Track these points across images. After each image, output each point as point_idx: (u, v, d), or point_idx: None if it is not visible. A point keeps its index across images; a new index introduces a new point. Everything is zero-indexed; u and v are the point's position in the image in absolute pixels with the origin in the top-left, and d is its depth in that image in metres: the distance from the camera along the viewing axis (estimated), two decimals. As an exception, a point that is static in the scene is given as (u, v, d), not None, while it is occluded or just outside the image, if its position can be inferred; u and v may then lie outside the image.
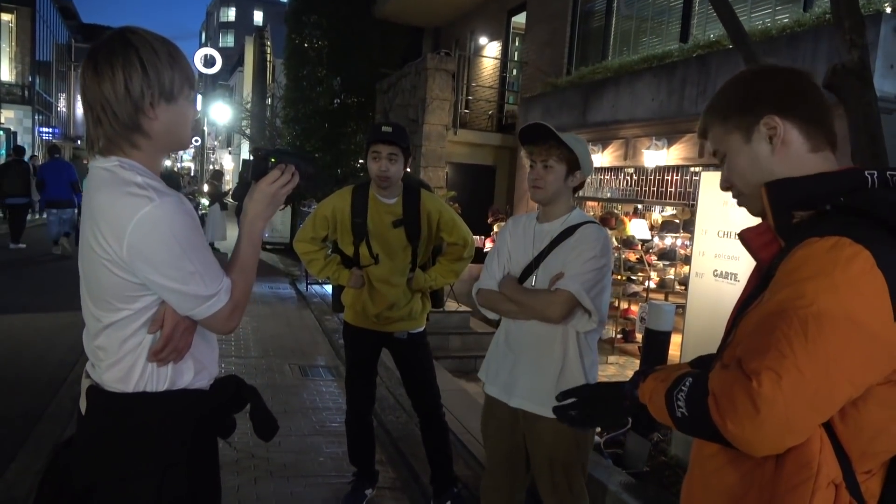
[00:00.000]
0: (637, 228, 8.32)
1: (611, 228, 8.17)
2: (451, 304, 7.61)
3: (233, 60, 43.63)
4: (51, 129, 28.68)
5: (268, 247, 14.05)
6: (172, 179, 14.49)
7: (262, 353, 6.13)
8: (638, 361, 6.48)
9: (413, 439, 3.93)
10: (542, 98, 9.30)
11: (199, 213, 13.78)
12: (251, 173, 1.52)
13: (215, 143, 46.39)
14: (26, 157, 12.64)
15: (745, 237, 1.25)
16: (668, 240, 8.33)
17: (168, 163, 34.89)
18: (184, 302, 1.36)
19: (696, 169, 7.10)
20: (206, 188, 15.06)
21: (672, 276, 8.06)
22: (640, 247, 8.39)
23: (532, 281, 2.29)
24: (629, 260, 8.37)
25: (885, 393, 1.01)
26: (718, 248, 4.03)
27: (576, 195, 2.44)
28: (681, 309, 4.75)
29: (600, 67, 8.30)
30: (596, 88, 8.07)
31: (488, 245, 8.80)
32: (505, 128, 11.41)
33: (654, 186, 7.98)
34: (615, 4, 8.97)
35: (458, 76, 10.34)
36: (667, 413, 1.10)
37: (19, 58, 25.25)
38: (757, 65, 1.27)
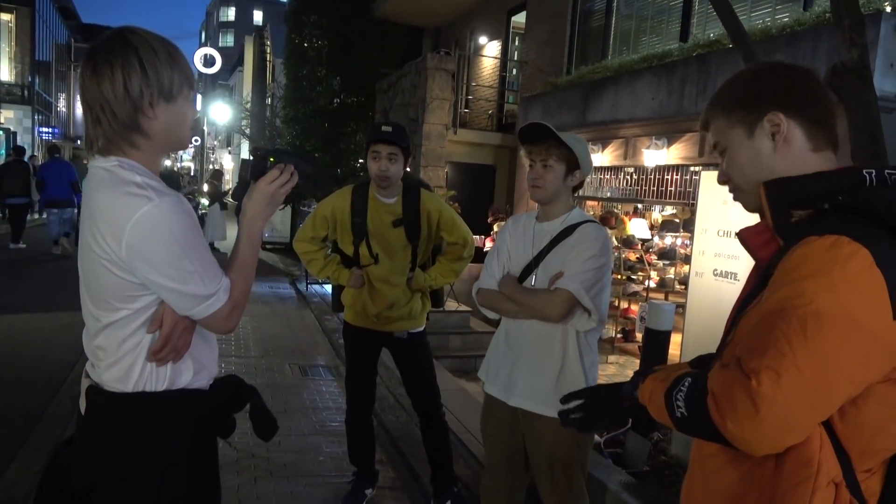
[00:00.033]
0: (637, 228, 8.33)
1: (611, 228, 8.17)
2: (451, 304, 7.61)
3: (232, 60, 43.62)
4: (50, 129, 28.67)
5: (268, 246, 14.06)
6: (172, 179, 14.50)
7: (262, 353, 6.13)
8: (638, 361, 6.48)
9: (413, 439, 3.94)
10: (542, 97, 9.30)
11: (199, 212, 13.79)
12: (250, 173, 1.52)
13: (215, 142, 46.38)
14: (26, 157, 12.64)
15: (744, 236, 1.25)
16: (668, 239, 8.33)
17: (168, 162, 34.88)
18: (182, 301, 1.36)
19: (696, 168, 7.10)
20: (205, 188, 15.06)
21: (672, 276, 8.06)
22: (640, 246, 8.39)
23: (532, 280, 2.29)
24: (629, 259, 8.37)
25: (884, 391, 1.01)
26: (718, 248, 4.03)
27: (575, 194, 2.44)
28: (681, 308, 4.75)
29: (600, 67, 8.30)
30: (596, 88, 8.07)
31: (488, 244, 8.80)
32: (505, 127, 11.41)
33: (654, 186, 7.98)
34: (615, 4, 8.97)
35: (457, 76, 10.34)
36: (666, 413, 1.10)
37: (19, 58, 25.24)
38: (765, 61, 1.26)
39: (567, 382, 2.21)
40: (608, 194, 8.92)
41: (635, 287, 8.15)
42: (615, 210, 8.92)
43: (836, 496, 1.00)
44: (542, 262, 2.27)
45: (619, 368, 7.40)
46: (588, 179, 8.05)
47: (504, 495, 2.47)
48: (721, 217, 4.02)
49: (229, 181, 27.68)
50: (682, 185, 7.50)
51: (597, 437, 3.67)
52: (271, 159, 1.52)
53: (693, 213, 5.15)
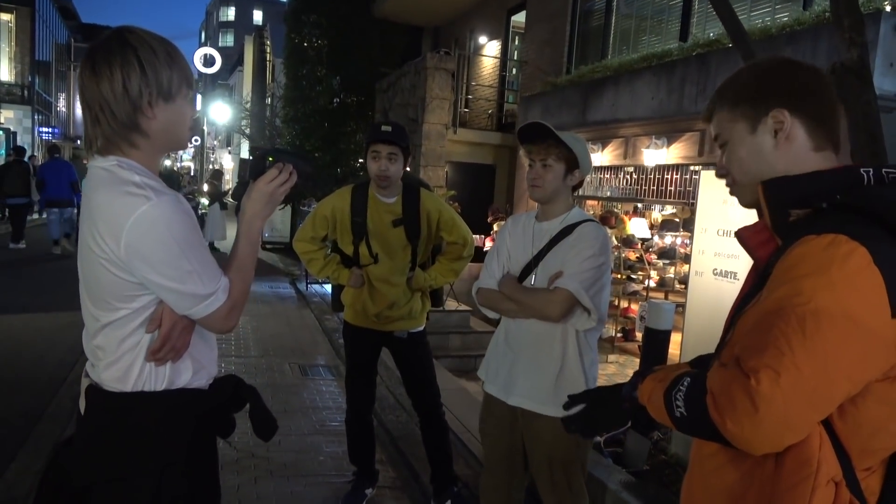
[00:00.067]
0: (637, 227, 8.32)
1: (611, 227, 8.17)
2: (450, 304, 7.61)
3: (232, 60, 43.60)
4: (50, 129, 28.68)
5: (268, 246, 14.07)
6: (172, 179, 14.53)
7: (261, 353, 6.13)
8: (638, 360, 6.48)
9: (413, 438, 3.94)
10: (542, 97, 9.30)
11: (199, 212, 13.79)
12: (249, 172, 1.52)
13: (215, 142, 46.36)
14: (25, 158, 12.65)
15: (742, 236, 1.25)
16: (668, 238, 8.33)
17: (168, 162, 34.87)
18: (181, 301, 1.36)
19: (696, 168, 7.09)
20: (205, 188, 15.05)
21: (672, 275, 8.06)
22: (639, 245, 8.39)
23: (531, 280, 2.29)
24: (629, 259, 8.37)
25: (883, 390, 1.01)
26: (718, 247, 4.03)
27: (575, 194, 2.44)
28: (681, 307, 4.75)
29: (600, 66, 8.30)
30: (595, 87, 8.07)
31: (488, 244, 8.80)
32: (505, 127, 11.40)
33: (653, 185, 7.98)
34: (615, 3, 8.97)
35: (457, 75, 10.33)
36: (665, 413, 1.10)
37: (19, 58, 25.24)
38: (774, 56, 1.25)
39: (567, 382, 2.21)
40: (608, 194, 8.92)
41: (635, 286, 8.15)
42: (615, 209, 8.91)
43: (836, 495, 0.99)
44: (541, 262, 2.27)
45: (619, 368, 7.40)
46: (588, 179, 8.07)
47: (503, 495, 2.47)
48: (721, 216, 4.02)
49: (229, 181, 27.67)
50: (681, 185, 7.50)
51: (596, 437, 3.67)
52: (270, 159, 1.51)
53: (693, 212, 5.15)
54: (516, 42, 11.86)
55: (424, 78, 9.78)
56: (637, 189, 8.31)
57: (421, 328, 3.18)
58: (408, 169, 3.14)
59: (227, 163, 39.83)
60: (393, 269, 3.02)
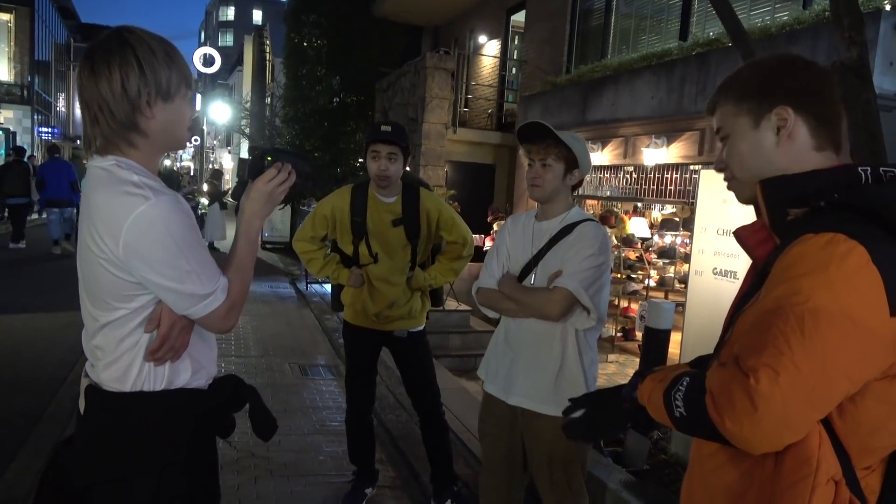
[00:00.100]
0: (637, 227, 8.32)
1: (610, 227, 8.17)
2: (450, 303, 7.61)
3: (232, 59, 43.60)
4: (50, 129, 28.69)
5: (267, 246, 14.07)
6: (172, 179, 14.52)
7: (261, 353, 6.13)
8: (638, 359, 6.48)
9: (413, 438, 3.94)
10: (542, 96, 9.29)
11: (199, 212, 13.79)
12: (248, 172, 1.52)
13: (215, 142, 46.36)
14: (25, 158, 12.67)
15: (741, 235, 1.25)
16: (668, 238, 8.33)
17: (168, 162, 34.85)
18: (180, 301, 1.36)
19: (696, 167, 7.09)
20: (205, 187, 15.05)
21: (672, 275, 8.06)
22: (639, 245, 8.39)
23: (531, 279, 2.29)
24: (629, 258, 8.37)
25: (882, 388, 1.01)
26: (718, 246, 4.03)
27: (575, 193, 2.44)
28: (680, 307, 4.75)
29: (599, 66, 8.30)
30: (595, 87, 8.07)
31: (488, 244, 8.80)
32: (504, 126, 11.40)
33: (653, 185, 7.98)
34: (614, 3, 8.97)
35: (457, 75, 10.33)
36: (665, 413, 1.10)
37: (18, 57, 25.24)
38: (783, 53, 1.25)
39: (566, 381, 2.21)
40: (608, 193, 8.92)
41: (635, 286, 8.15)
42: (615, 209, 8.92)
43: (836, 494, 0.99)
44: (541, 261, 2.27)
45: (619, 367, 7.40)
46: (588, 178, 8.07)
47: (502, 494, 2.47)
48: (720, 215, 4.02)
49: (229, 181, 27.67)
50: (681, 184, 7.50)
51: (598, 441, 3.67)
52: (269, 158, 1.51)
53: (693, 211, 5.15)
54: (516, 41, 11.86)
55: (424, 77, 9.78)
56: (637, 188, 8.31)
57: (421, 328, 3.18)
58: (407, 168, 3.14)
59: (227, 162, 39.83)
60: (393, 268, 3.01)
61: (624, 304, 8.38)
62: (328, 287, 8.27)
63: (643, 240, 8.40)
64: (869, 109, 2.87)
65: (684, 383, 1.07)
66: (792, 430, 0.97)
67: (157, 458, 1.40)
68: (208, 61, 28.37)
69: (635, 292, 8.11)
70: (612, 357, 7.66)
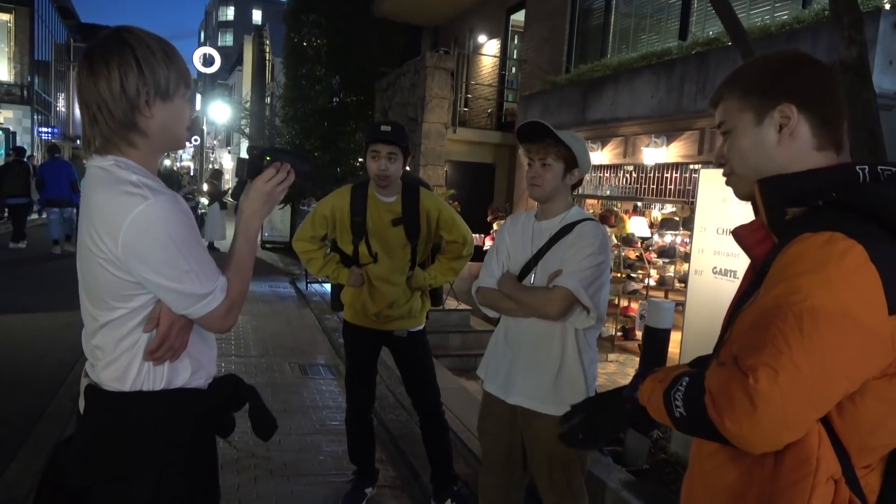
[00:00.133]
0: (636, 226, 8.32)
1: (610, 226, 8.17)
2: (450, 303, 7.61)
3: (232, 59, 43.60)
4: (50, 129, 28.69)
5: (267, 245, 14.07)
6: (172, 178, 14.52)
7: (261, 352, 6.13)
8: (638, 359, 6.48)
9: (413, 438, 3.94)
10: (542, 96, 9.29)
11: (199, 212, 13.78)
12: (247, 171, 1.52)
13: (214, 142, 46.36)
14: (24, 158, 12.68)
15: (739, 234, 1.25)
16: (668, 237, 8.32)
17: (167, 162, 34.85)
18: (179, 300, 1.36)
19: (696, 166, 7.09)
20: (205, 187, 15.05)
21: (672, 274, 8.05)
22: (639, 244, 8.38)
23: (531, 278, 2.29)
24: (629, 257, 8.37)
25: (881, 387, 1.01)
26: (718, 246, 4.03)
27: (575, 193, 2.44)
28: (680, 306, 4.75)
29: (599, 65, 8.30)
30: (595, 86, 8.06)
31: (488, 243, 8.80)
32: (504, 126, 11.40)
33: (653, 184, 7.98)
34: (614, 2, 8.96)
35: (457, 74, 10.32)
36: (665, 413, 1.10)
37: (18, 57, 25.24)
38: (791, 50, 1.24)
39: (566, 380, 2.21)
40: (608, 192, 8.92)
41: (635, 285, 8.14)
42: (615, 208, 8.91)
43: (836, 492, 0.99)
44: (541, 261, 2.28)
45: (619, 367, 7.40)
46: (588, 178, 8.08)
47: (502, 494, 2.47)
48: (720, 215, 4.02)
49: (229, 181, 27.67)
50: (681, 183, 7.50)
51: (598, 447, 3.67)
52: (268, 158, 1.51)
53: (692, 210, 5.15)
54: (516, 41, 11.86)
55: (424, 77, 9.78)
56: (637, 188, 8.30)
57: (421, 327, 3.18)
58: (407, 168, 3.14)
59: (227, 162, 39.82)
60: (392, 268, 3.01)
61: (624, 303, 8.37)
62: (328, 287, 8.27)
63: (643, 239, 8.40)
64: (868, 108, 2.87)
65: (684, 383, 1.07)
66: (791, 429, 0.97)
67: (157, 457, 1.40)
68: (208, 61, 28.37)
69: (635, 291, 8.11)
70: (612, 356, 7.66)
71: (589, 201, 9.35)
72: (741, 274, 1.27)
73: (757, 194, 1.18)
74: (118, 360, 1.39)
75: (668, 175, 7.71)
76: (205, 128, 32.89)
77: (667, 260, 8.10)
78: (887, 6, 4.95)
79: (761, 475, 1.04)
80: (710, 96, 1.29)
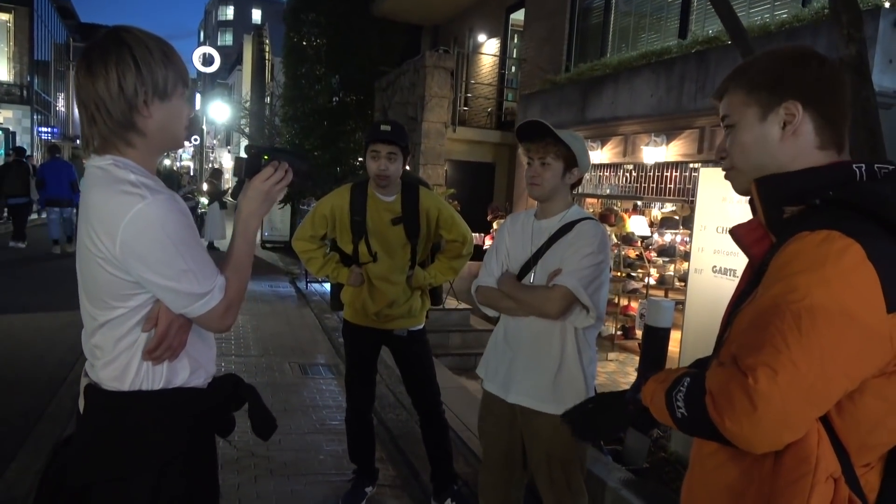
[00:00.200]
0: (636, 225, 8.31)
1: (610, 225, 8.16)
2: (450, 302, 7.61)
3: (231, 59, 43.62)
4: (49, 129, 28.68)
5: (267, 245, 14.07)
6: (172, 178, 14.52)
7: (261, 352, 6.13)
8: (638, 358, 6.48)
9: (413, 437, 3.94)
10: (541, 95, 9.29)
11: (199, 211, 13.77)
12: (244, 171, 1.51)
13: (214, 141, 46.37)
14: (24, 157, 12.69)
15: (737, 233, 1.24)
16: (668, 236, 8.32)
17: (167, 162, 34.84)
18: (177, 300, 1.36)
19: (696, 165, 7.09)
20: (205, 187, 15.06)
21: (672, 273, 8.05)
22: (639, 243, 8.38)
23: (531, 277, 2.29)
24: (629, 256, 8.36)
25: (880, 385, 1.01)
26: (717, 245, 4.03)
27: (574, 192, 2.44)
28: (680, 305, 4.75)
29: (599, 64, 8.29)
30: (595, 85, 8.06)
31: (488, 242, 8.79)
32: (504, 125, 11.40)
33: (653, 183, 7.98)
34: (613, 1, 8.96)
35: (456, 74, 10.32)
36: (667, 414, 1.10)
37: (17, 57, 25.23)
38: (800, 46, 1.23)
39: (565, 379, 2.21)
40: (608, 191, 8.92)
41: (635, 284, 8.14)
42: (615, 207, 8.91)
43: (835, 491, 1.00)
44: (540, 260, 2.27)
45: (619, 365, 7.41)
46: (587, 177, 8.07)
47: (502, 493, 2.47)
48: (720, 214, 4.02)
49: (228, 180, 27.68)
50: (681, 182, 7.50)
51: (595, 441, 3.67)
52: (265, 157, 1.51)
53: (692, 209, 5.15)
54: (515, 40, 11.85)
55: (424, 76, 9.78)
56: (636, 187, 8.30)
57: (420, 326, 3.17)
58: (407, 168, 3.14)
59: (227, 162, 39.82)
60: (392, 267, 3.01)
61: (624, 302, 8.37)
62: (328, 286, 8.27)
63: (643, 238, 8.39)
64: (868, 107, 2.87)
65: (685, 384, 1.07)
66: (791, 428, 0.97)
67: (156, 457, 1.40)
68: (207, 61, 28.36)
69: (635, 290, 8.11)
70: (612, 355, 7.66)
71: (589, 200, 9.35)
72: (741, 272, 1.27)
73: (754, 193, 1.18)
74: (117, 360, 1.39)
75: (668, 174, 7.71)
76: (204, 127, 32.88)
77: (667, 259, 8.10)
78: (887, 4, 4.94)
79: (761, 474, 1.04)
80: (716, 88, 1.28)
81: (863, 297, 0.96)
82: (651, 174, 7.98)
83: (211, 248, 12.44)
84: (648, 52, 7.43)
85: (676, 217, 8.03)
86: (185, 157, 50.23)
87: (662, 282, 8.00)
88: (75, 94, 1.39)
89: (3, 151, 20.56)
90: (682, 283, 6.92)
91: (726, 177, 1.28)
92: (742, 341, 1.02)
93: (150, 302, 1.38)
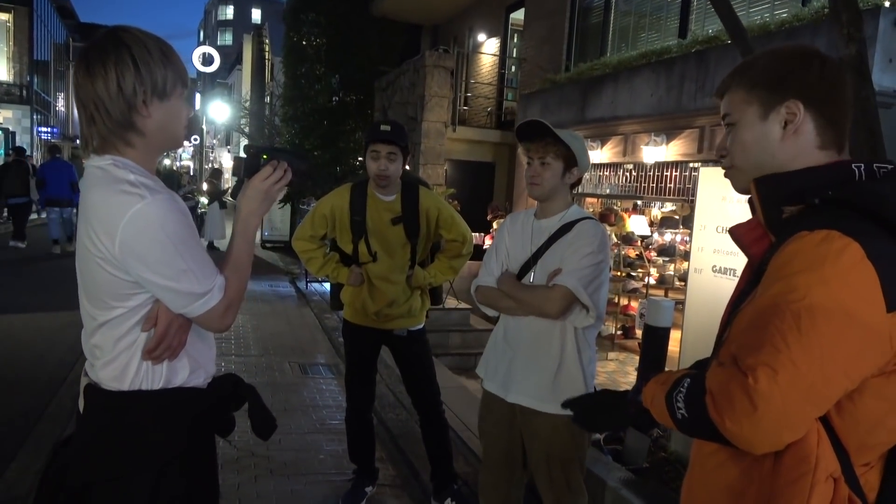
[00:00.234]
0: (636, 224, 8.31)
1: (610, 225, 8.17)
2: (450, 302, 7.61)
3: (231, 59, 43.63)
4: (49, 129, 28.68)
5: (267, 245, 14.07)
6: (172, 178, 14.51)
7: (261, 352, 6.13)
8: (638, 357, 6.48)
9: (413, 436, 3.94)
10: (541, 94, 9.29)
11: (199, 211, 13.76)
12: (243, 170, 1.52)
13: (214, 141, 46.37)
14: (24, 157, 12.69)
15: (736, 233, 1.24)
16: (668, 236, 8.32)
17: (167, 161, 34.83)
18: (177, 300, 1.36)
19: (695, 164, 7.09)
20: (205, 187, 15.06)
21: (671, 272, 8.05)
22: (639, 243, 8.38)
23: (530, 277, 2.29)
24: (629, 256, 8.37)
25: (879, 385, 1.01)
26: (717, 244, 4.03)
27: (574, 191, 2.44)
28: (680, 305, 4.75)
29: (599, 63, 8.29)
30: (594, 84, 8.06)
31: (487, 242, 8.79)
32: (504, 124, 11.40)
33: (653, 182, 7.98)
34: (613, 0, 8.96)
35: (456, 73, 10.32)
36: (668, 415, 1.10)
37: (17, 57, 25.24)
38: (803, 45, 1.23)
39: (565, 379, 2.21)
40: (607, 191, 8.92)
41: (635, 284, 8.14)
42: (615, 207, 8.91)
43: (835, 491, 1.00)
44: (540, 259, 2.27)
45: (619, 365, 7.41)
46: (587, 176, 8.07)
47: (502, 492, 2.47)
48: (720, 213, 4.02)
49: (228, 180, 27.70)
50: (681, 182, 7.50)
51: (596, 434, 3.67)
52: (264, 157, 1.51)
53: (692, 209, 5.15)
54: (515, 39, 11.85)
55: (423, 76, 9.78)
56: (636, 186, 8.30)
57: (420, 326, 3.17)
58: (407, 167, 3.14)
59: (227, 162, 39.82)
60: (392, 267, 3.01)
61: (624, 301, 8.37)
62: (328, 286, 8.27)
63: (643, 237, 8.40)
64: (868, 106, 2.87)
65: (685, 385, 1.07)
66: (792, 428, 0.97)
67: (156, 456, 1.40)
68: (207, 60, 28.37)
69: (635, 290, 8.11)
70: (612, 355, 7.66)
71: (589, 200, 9.35)
72: (740, 272, 1.27)
73: (754, 193, 1.18)
74: (117, 360, 1.39)
75: (668, 173, 7.71)
76: (204, 127, 32.89)
77: (666, 258, 8.10)
78: (887, 4, 4.94)
79: (761, 474, 1.04)
80: (717, 85, 1.28)
81: (862, 297, 0.96)
82: (651, 174, 7.98)
83: (211, 247, 12.44)
84: (648, 52, 7.43)
85: (676, 216, 8.03)
86: (184, 157, 50.23)
87: (662, 281, 8.00)
88: (74, 93, 1.39)
89: (2, 151, 20.57)
90: (682, 283, 6.92)
91: (726, 175, 1.27)
92: (742, 341, 1.02)
93: (150, 302, 1.38)
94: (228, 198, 13.61)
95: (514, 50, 11.88)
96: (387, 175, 2.89)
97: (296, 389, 5.06)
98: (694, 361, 1.34)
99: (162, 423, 1.41)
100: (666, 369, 2.95)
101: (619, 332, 8.10)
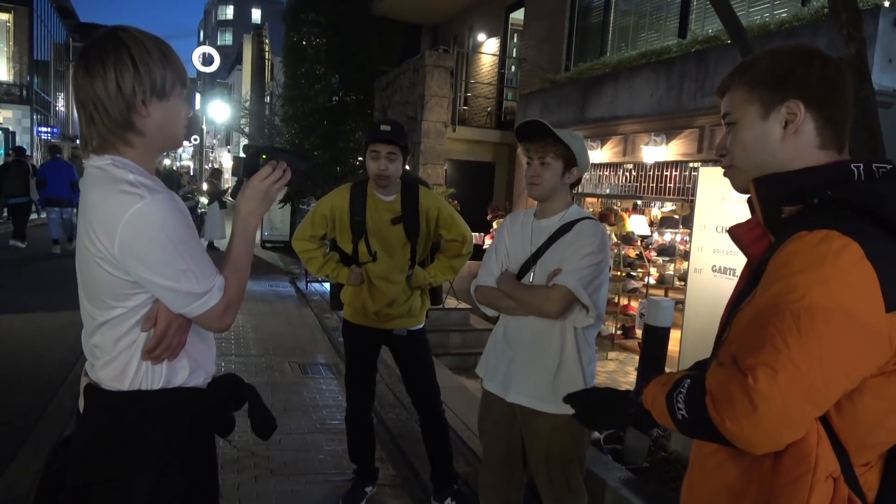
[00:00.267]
0: (636, 224, 8.31)
1: (610, 224, 8.17)
2: (450, 301, 7.61)
3: (231, 58, 43.63)
4: (49, 129, 28.70)
5: (267, 245, 14.07)
6: (172, 178, 14.52)
7: (261, 352, 6.13)
8: (638, 357, 6.48)
9: (413, 436, 3.94)
10: (541, 94, 9.29)
11: (199, 211, 13.76)
12: (243, 170, 1.51)
13: (214, 141, 46.36)
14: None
15: (735, 233, 1.24)
16: (668, 235, 8.32)
17: (167, 161, 34.84)
18: (176, 299, 1.36)
19: (695, 164, 7.09)
20: (205, 187, 15.06)
21: (671, 272, 8.06)
22: (639, 243, 8.38)
23: (530, 277, 2.29)
24: (629, 256, 8.37)
25: (879, 384, 1.01)
26: (717, 244, 4.03)
27: (574, 191, 2.44)
28: (680, 304, 4.75)
29: (598, 63, 8.29)
30: (594, 84, 8.06)
31: (487, 242, 8.79)
32: (504, 124, 11.40)
33: (653, 182, 7.98)
34: (613, 0, 8.96)
35: (456, 73, 10.32)
36: (669, 416, 1.10)
37: (17, 57, 25.24)
38: (805, 45, 1.22)
39: (565, 379, 2.21)
40: (607, 191, 8.92)
41: (635, 283, 8.14)
42: (614, 207, 8.91)
43: (835, 490, 1.00)
44: (540, 259, 2.27)
45: (618, 365, 7.40)
46: (587, 176, 8.07)
47: (502, 492, 2.47)
48: (720, 213, 4.02)
49: (228, 180, 27.71)
50: (680, 182, 7.50)
51: (596, 434, 3.67)
52: (263, 156, 1.51)
53: (692, 209, 5.15)
54: (515, 39, 11.85)
55: (423, 76, 9.78)
56: (636, 186, 8.30)
57: (420, 326, 3.18)
58: (407, 167, 3.14)
59: (227, 162, 39.81)
60: (392, 266, 3.01)
61: (624, 301, 8.37)
62: (328, 286, 8.27)
63: (643, 237, 8.40)
64: (867, 106, 2.86)
65: (685, 385, 1.07)
66: (791, 428, 0.97)
67: (156, 456, 1.40)
68: (207, 60, 28.37)
69: (635, 290, 8.11)
70: (612, 355, 7.66)
71: (588, 200, 9.35)
72: (740, 272, 1.27)
73: (753, 193, 1.18)
74: (117, 359, 1.39)
75: (668, 173, 7.71)
76: (204, 127, 32.89)
77: (666, 258, 8.10)
78: (886, 3, 4.94)
79: (761, 473, 1.04)
80: (718, 85, 1.27)
81: (861, 296, 0.96)
82: (651, 173, 7.98)
83: (211, 247, 12.44)
84: (648, 52, 7.43)
85: (676, 216, 8.03)
86: (184, 157, 50.23)
87: (662, 281, 8.00)
88: (73, 93, 1.39)
89: (2, 151, 20.57)
90: (682, 283, 6.92)
91: (726, 174, 1.27)
92: (741, 341, 1.02)
93: (150, 302, 1.38)
94: (228, 198, 13.62)
95: (514, 50, 11.88)
96: (387, 175, 2.89)
97: (296, 389, 5.07)
98: (694, 362, 1.34)
99: (162, 423, 1.41)
100: (666, 369, 2.96)
101: (619, 332, 8.10)
